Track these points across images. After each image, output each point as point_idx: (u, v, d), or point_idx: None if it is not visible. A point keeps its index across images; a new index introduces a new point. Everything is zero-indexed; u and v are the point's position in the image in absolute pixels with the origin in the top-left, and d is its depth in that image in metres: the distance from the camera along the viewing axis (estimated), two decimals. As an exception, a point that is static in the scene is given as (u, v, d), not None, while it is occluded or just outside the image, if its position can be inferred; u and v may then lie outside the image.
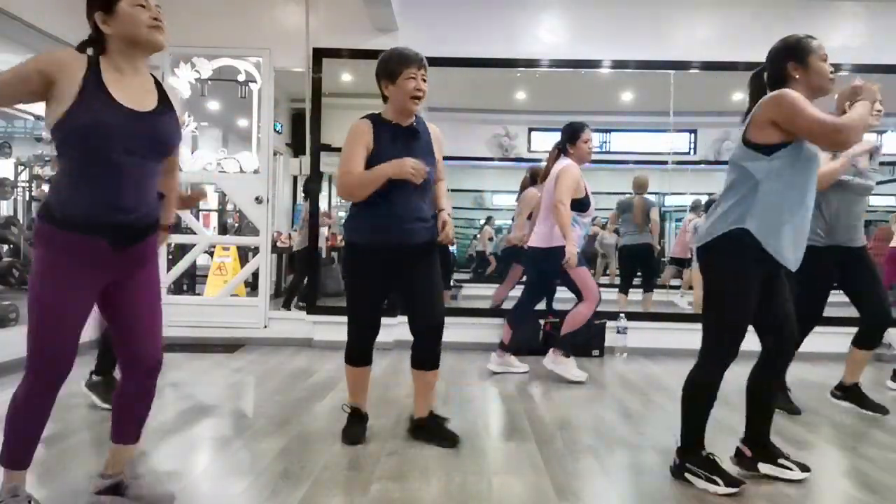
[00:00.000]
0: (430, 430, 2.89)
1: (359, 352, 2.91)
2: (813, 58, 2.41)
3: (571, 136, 4.26)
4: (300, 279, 6.57)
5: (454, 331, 5.42)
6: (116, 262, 1.91)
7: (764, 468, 2.51)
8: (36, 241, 1.89)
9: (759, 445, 2.55)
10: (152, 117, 1.90)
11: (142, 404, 2.15)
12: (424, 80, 2.68)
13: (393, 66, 2.69)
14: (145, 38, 1.89)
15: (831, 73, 2.41)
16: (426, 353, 2.88)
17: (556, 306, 5.17)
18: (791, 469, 2.49)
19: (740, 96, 6.39)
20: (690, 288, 7.23)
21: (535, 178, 5.82)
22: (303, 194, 5.84)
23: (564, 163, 4.20)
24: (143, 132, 1.87)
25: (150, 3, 1.91)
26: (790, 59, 2.42)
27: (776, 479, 2.48)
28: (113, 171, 1.83)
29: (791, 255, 2.34)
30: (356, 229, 2.76)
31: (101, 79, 1.83)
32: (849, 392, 3.56)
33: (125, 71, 1.90)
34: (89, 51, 1.90)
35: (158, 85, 2.01)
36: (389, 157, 2.63)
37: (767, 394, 2.58)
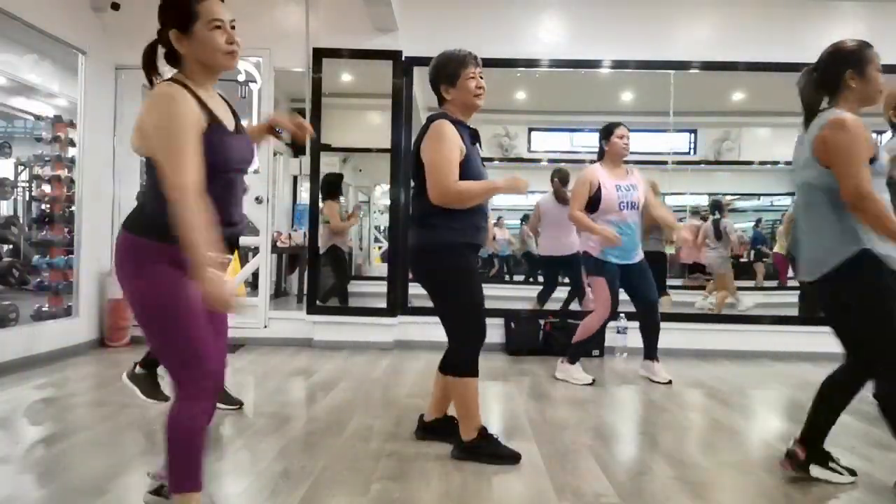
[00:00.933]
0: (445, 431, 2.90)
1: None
2: (871, 68, 2.34)
3: (606, 133, 4.32)
4: (343, 280, 6.53)
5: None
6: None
7: (815, 471, 2.49)
8: (136, 257, 1.77)
9: (813, 448, 2.52)
10: (241, 136, 1.93)
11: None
12: (482, 77, 2.76)
13: (452, 69, 2.73)
14: (221, 64, 1.86)
15: (882, 83, 2.36)
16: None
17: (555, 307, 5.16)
18: (841, 473, 2.48)
19: (740, 96, 6.39)
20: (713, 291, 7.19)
21: (564, 180, 5.89)
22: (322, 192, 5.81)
23: (583, 171, 4.35)
24: (242, 150, 1.90)
25: (227, 23, 1.86)
26: (849, 66, 2.34)
27: (826, 482, 2.47)
28: (227, 188, 1.84)
29: None
30: (461, 230, 2.67)
31: (203, 102, 1.79)
32: None
33: (209, 89, 1.88)
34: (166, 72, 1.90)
35: (227, 101, 1.99)
36: (474, 160, 2.70)
37: (842, 399, 2.52)
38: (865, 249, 2.23)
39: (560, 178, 5.90)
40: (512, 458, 2.65)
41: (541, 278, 6.37)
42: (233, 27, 1.87)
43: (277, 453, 2.70)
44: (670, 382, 4.23)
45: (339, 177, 6.67)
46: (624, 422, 3.40)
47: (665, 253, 6.76)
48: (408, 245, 2.76)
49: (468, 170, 2.64)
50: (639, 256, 4.28)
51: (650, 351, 4.38)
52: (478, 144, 2.80)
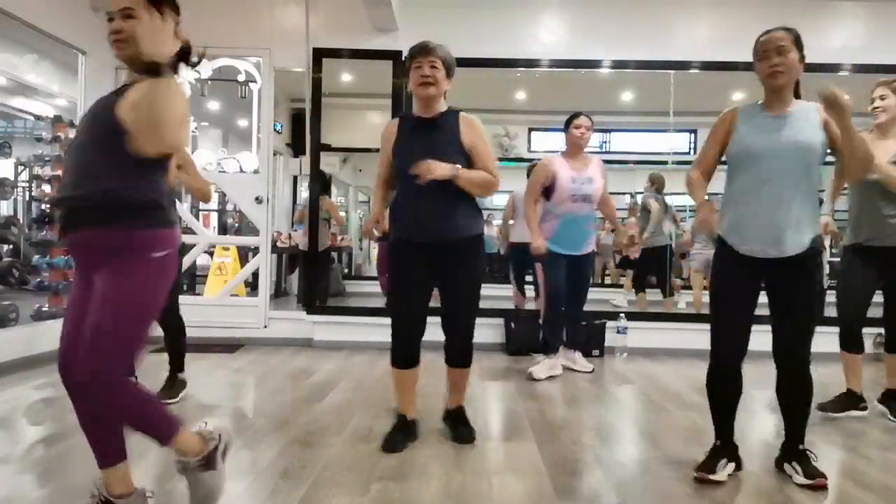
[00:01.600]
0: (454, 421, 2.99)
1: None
2: (755, 58, 2.49)
3: (566, 123, 4.40)
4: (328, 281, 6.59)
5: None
6: (71, 249, 1.89)
7: (787, 468, 2.53)
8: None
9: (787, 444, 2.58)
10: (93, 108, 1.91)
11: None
12: (433, 67, 2.67)
13: (406, 64, 2.77)
14: (115, 54, 1.93)
15: (770, 67, 2.41)
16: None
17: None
18: (797, 474, 2.47)
19: (740, 96, 6.38)
20: (688, 288, 7.20)
21: None
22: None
23: (541, 161, 4.44)
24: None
25: (116, 13, 1.89)
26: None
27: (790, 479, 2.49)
28: (69, 155, 1.90)
29: None
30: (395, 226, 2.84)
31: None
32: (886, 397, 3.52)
33: (131, 77, 1.93)
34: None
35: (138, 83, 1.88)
36: (405, 149, 2.71)
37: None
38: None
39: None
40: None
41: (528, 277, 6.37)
42: (128, 15, 1.86)
43: (277, 453, 2.70)
44: (592, 371, 4.48)
45: (329, 176, 6.71)
46: (624, 422, 3.40)
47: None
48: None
49: (398, 163, 2.73)
50: (587, 249, 4.35)
51: (571, 341, 4.54)
52: (431, 134, 2.72)
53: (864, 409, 3.48)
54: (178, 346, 3.70)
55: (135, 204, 1.79)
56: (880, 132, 3.36)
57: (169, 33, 1.79)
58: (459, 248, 2.73)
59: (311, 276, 5.89)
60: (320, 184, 6.33)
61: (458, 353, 2.89)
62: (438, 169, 2.57)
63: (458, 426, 2.95)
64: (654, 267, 6.72)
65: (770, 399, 4.01)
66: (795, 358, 2.48)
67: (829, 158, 2.46)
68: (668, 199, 6.78)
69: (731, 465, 2.52)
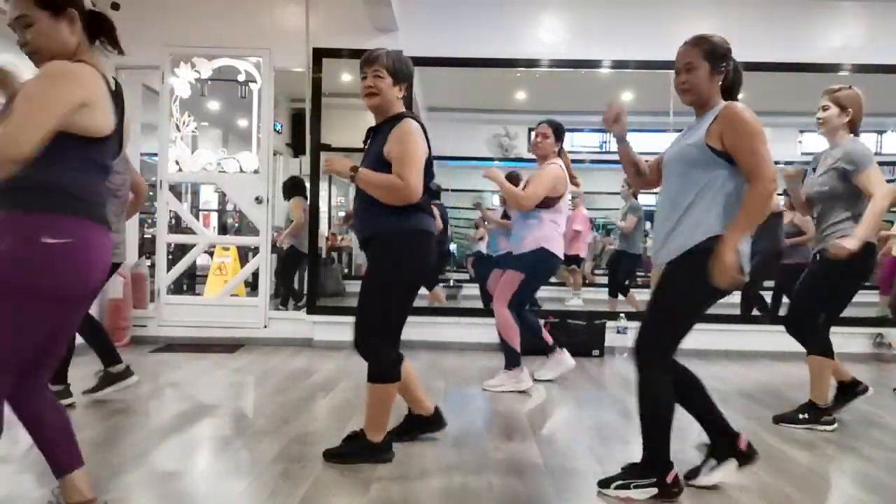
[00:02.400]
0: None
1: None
2: None
3: None
4: (290, 282, 6.62)
5: (455, 330, 5.47)
6: None
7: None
8: None
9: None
10: None
11: None
12: (377, 76, 2.63)
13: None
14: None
15: (677, 84, 2.35)
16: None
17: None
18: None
19: (740, 96, 6.37)
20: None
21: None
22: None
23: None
24: None
25: (14, 23, 1.74)
26: None
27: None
28: None
29: None
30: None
31: None
32: None
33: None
34: None
35: None
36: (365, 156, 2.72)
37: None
38: None
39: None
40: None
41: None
42: (27, 24, 1.71)
43: (277, 453, 2.70)
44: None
45: (302, 179, 6.73)
46: (624, 422, 3.40)
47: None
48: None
49: None
50: (520, 248, 4.12)
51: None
52: (378, 136, 2.72)
53: (864, 391, 3.47)
54: (96, 342, 3.46)
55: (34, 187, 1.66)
56: (830, 143, 3.28)
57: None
58: (370, 247, 2.64)
59: (313, 276, 5.89)
60: (291, 185, 6.41)
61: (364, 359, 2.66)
62: (335, 163, 2.64)
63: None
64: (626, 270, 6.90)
65: (766, 398, 4.02)
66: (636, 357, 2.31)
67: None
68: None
69: (729, 465, 2.39)
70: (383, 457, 2.63)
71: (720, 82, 2.33)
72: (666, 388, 2.27)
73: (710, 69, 2.29)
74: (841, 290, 3.27)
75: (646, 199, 7.53)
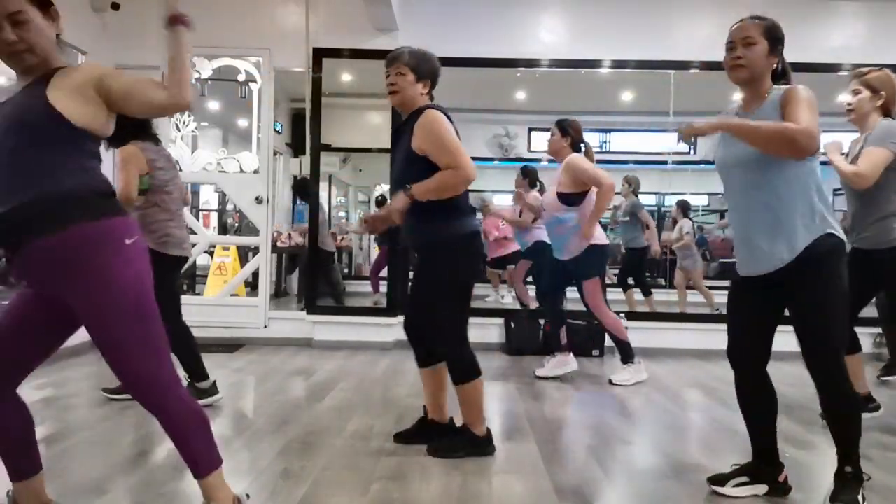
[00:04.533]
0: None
1: None
2: None
3: None
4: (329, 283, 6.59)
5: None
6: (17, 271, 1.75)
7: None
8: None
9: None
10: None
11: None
12: (399, 74, 2.66)
13: None
14: (8, 65, 1.77)
15: (732, 59, 2.24)
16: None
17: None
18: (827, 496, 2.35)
19: (741, 96, 6.38)
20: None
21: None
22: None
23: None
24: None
25: (3, 25, 1.67)
26: None
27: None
28: None
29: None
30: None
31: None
32: None
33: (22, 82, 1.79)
34: None
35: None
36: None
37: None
38: None
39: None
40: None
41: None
42: (18, 21, 1.68)
43: (277, 453, 2.70)
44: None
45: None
46: (624, 422, 3.40)
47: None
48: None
49: None
50: (566, 255, 4.26)
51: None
52: (399, 139, 2.72)
53: (876, 409, 3.39)
54: (184, 352, 3.47)
55: (88, 195, 1.70)
56: (861, 130, 3.12)
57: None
58: (420, 254, 2.73)
59: (313, 276, 5.89)
60: (302, 186, 6.39)
61: (448, 366, 2.74)
62: (394, 215, 2.55)
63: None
64: (631, 268, 6.86)
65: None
66: (816, 371, 2.21)
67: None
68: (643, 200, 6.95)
69: (759, 487, 2.36)
70: (488, 449, 2.72)
71: (773, 66, 2.25)
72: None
73: (769, 48, 2.22)
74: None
75: (645, 200, 7.56)
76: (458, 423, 2.83)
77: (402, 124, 2.73)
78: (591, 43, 5.58)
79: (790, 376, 4.61)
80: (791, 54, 5.42)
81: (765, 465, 2.38)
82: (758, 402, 2.38)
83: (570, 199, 4.16)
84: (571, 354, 4.43)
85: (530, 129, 8.73)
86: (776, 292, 2.24)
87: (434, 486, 2.38)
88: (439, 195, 2.55)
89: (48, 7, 1.76)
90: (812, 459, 2.80)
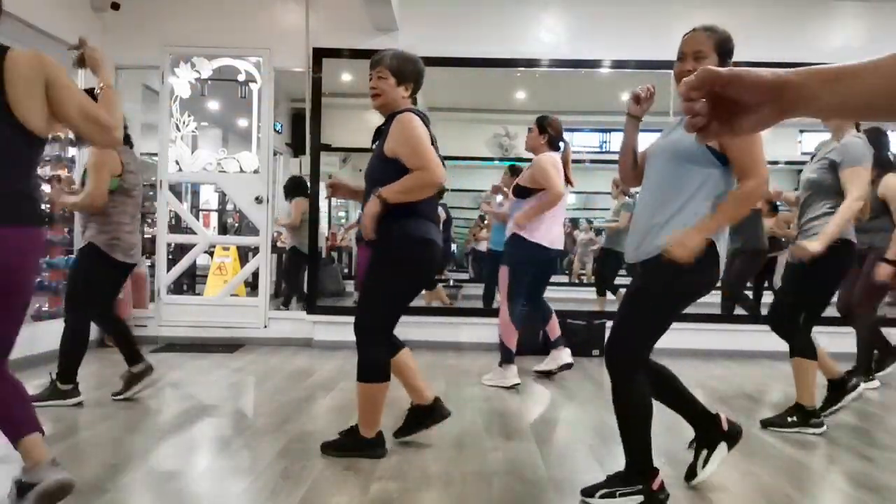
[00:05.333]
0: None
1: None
2: None
3: None
4: (296, 284, 6.61)
5: (454, 330, 5.47)
6: None
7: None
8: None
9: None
10: None
11: None
12: (380, 77, 2.67)
13: None
14: None
15: (681, 72, 2.28)
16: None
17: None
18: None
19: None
20: None
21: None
22: None
23: None
24: None
25: None
26: None
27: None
28: None
29: None
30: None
31: None
32: None
33: None
34: None
35: None
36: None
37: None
38: None
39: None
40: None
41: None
42: None
43: (277, 453, 2.70)
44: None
45: (304, 180, 6.73)
46: (624, 422, 3.40)
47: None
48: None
49: None
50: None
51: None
52: (381, 137, 2.71)
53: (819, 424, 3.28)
54: (72, 349, 3.40)
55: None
56: (835, 135, 3.21)
57: None
58: (375, 250, 2.68)
59: (312, 275, 5.89)
60: (292, 186, 6.40)
61: (358, 361, 2.67)
62: (366, 220, 2.55)
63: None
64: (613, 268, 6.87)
65: (767, 398, 4.01)
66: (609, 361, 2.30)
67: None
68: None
69: (720, 449, 2.37)
70: (375, 452, 2.68)
71: None
72: (642, 391, 2.24)
73: (718, 61, 2.24)
74: (816, 290, 3.18)
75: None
76: (443, 400, 2.90)
77: (381, 126, 2.74)
78: (591, 43, 5.58)
79: (790, 376, 4.61)
80: (791, 54, 5.47)
81: (706, 425, 2.41)
82: (657, 385, 2.42)
83: (524, 191, 4.16)
84: (567, 349, 4.42)
85: (530, 130, 8.73)
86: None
87: (434, 487, 2.38)
88: (408, 197, 2.56)
89: None
90: (812, 459, 2.81)
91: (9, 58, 1.84)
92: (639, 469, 2.24)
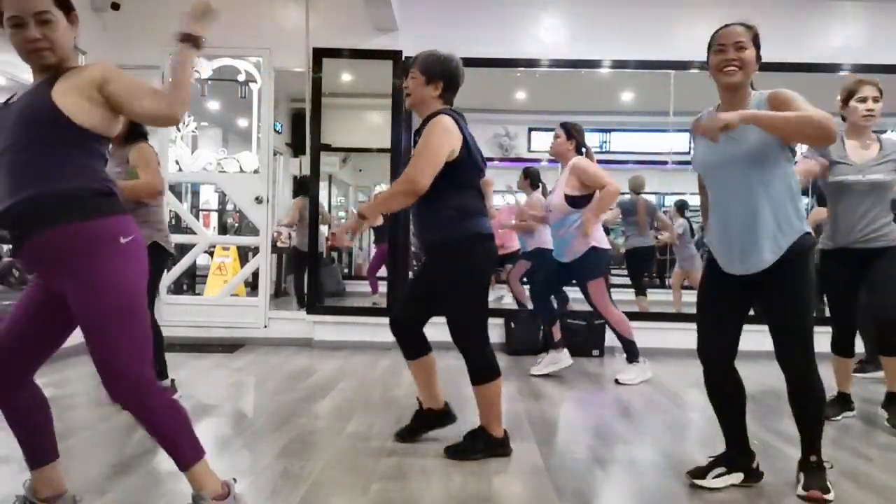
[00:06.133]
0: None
1: None
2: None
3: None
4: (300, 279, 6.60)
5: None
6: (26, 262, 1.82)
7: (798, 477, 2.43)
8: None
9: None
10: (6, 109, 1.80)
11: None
12: (412, 77, 2.71)
13: None
14: (28, 62, 1.80)
15: (725, 61, 2.32)
16: None
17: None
18: (799, 484, 2.39)
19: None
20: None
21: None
22: None
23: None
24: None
25: (28, 18, 1.70)
26: None
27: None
28: None
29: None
30: None
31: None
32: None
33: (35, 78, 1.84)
34: None
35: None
36: None
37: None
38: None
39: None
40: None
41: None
42: (44, 21, 1.71)
43: (277, 453, 2.70)
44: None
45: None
46: (624, 422, 3.40)
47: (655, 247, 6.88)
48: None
49: None
50: (569, 256, 4.28)
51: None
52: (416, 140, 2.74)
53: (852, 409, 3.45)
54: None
55: (85, 195, 1.73)
56: (855, 134, 3.19)
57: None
58: (429, 256, 2.76)
59: (312, 275, 5.89)
60: (298, 185, 6.39)
61: (469, 366, 2.74)
62: (340, 235, 2.68)
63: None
64: (644, 267, 6.84)
65: (766, 398, 4.01)
66: (789, 364, 2.34)
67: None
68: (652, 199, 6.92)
69: (735, 476, 2.41)
70: (505, 450, 2.74)
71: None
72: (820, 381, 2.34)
73: (756, 55, 2.30)
74: None
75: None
76: (458, 410, 2.93)
77: (419, 127, 2.75)
78: (591, 43, 5.58)
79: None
80: (791, 54, 5.47)
81: (738, 454, 2.45)
82: (728, 396, 2.49)
83: (577, 201, 4.19)
84: (566, 351, 4.43)
85: (530, 129, 8.73)
86: (751, 290, 2.34)
87: (434, 487, 2.38)
88: (393, 207, 2.65)
89: (70, 11, 1.80)
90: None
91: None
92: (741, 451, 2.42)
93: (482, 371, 2.68)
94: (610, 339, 5.24)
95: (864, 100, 3.14)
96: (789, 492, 2.40)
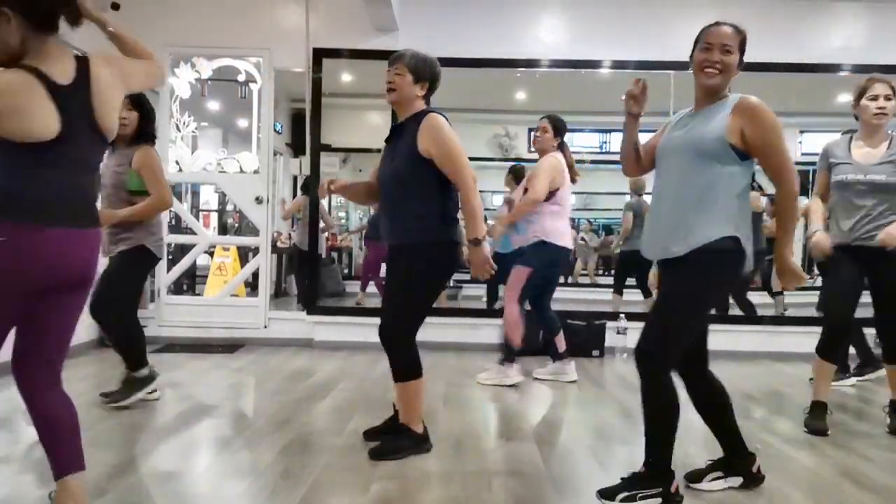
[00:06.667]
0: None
1: None
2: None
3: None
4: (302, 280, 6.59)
5: (455, 330, 5.46)
6: None
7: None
8: None
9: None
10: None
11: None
12: (397, 74, 2.72)
13: None
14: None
15: (708, 62, 2.32)
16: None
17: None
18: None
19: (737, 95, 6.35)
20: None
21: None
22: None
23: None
24: None
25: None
26: None
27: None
28: None
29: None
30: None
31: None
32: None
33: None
34: None
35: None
36: (383, 155, 2.83)
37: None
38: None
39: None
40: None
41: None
42: None
43: (277, 453, 2.70)
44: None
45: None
46: (624, 422, 3.40)
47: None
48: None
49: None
50: (510, 247, 4.31)
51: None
52: (397, 139, 2.77)
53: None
54: (123, 346, 3.39)
55: None
56: (868, 133, 3.14)
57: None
58: (402, 253, 2.72)
59: (311, 275, 5.90)
60: (304, 184, 6.39)
61: (391, 362, 2.74)
62: (484, 263, 2.70)
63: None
64: (632, 268, 6.79)
65: (766, 398, 4.01)
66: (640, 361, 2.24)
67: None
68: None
69: (734, 480, 2.39)
70: (425, 446, 2.75)
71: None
72: (671, 391, 2.19)
73: (740, 60, 2.32)
74: None
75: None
76: (443, 401, 2.95)
77: (402, 124, 2.76)
78: (591, 43, 5.58)
79: (790, 376, 4.62)
80: (791, 54, 5.47)
81: (736, 457, 2.42)
82: (708, 401, 2.41)
83: (549, 195, 4.15)
84: (573, 364, 4.37)
85: (530, 130, 8.72)
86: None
87: (434, 487, 2.38)
88: (474, 212, 2.68)
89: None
90: (812, 459, 2.80)
91: (93, 72, 1.86)
92: (661, 471, 2.22)
93: (407, 369, 2.70)
94: (610, 339, 5.25)
95: (875, 98, 3.09)
96: (790, 492, 2.40)
